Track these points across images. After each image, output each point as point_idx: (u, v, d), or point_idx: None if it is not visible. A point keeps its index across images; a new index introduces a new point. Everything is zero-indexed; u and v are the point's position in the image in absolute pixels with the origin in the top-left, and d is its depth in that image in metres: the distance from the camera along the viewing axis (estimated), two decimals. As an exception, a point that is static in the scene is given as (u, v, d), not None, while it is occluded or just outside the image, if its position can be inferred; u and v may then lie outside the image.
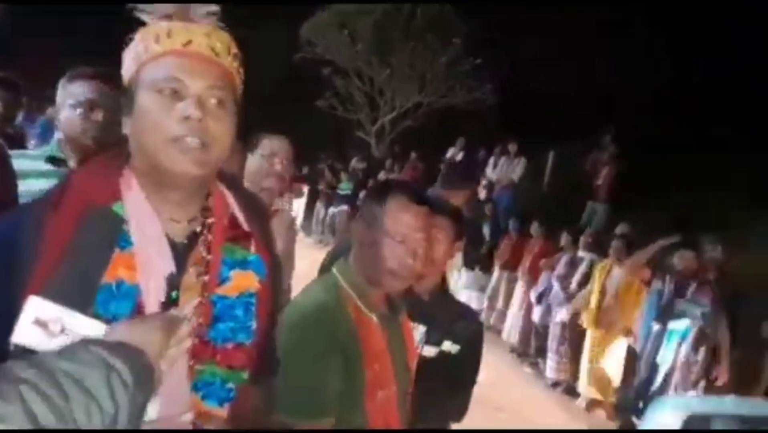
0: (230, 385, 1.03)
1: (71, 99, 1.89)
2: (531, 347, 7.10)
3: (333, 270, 1.53)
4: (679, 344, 4.97)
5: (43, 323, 0.82)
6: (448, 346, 2.02)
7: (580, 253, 6.72)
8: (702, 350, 4.79)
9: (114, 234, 0.95)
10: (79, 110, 1.88)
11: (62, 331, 0.83)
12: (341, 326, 1.40)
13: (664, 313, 5.15)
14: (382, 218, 1.44)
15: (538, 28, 14.33)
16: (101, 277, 0.92)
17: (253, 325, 1.06)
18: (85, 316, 0.86)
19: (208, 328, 1.01)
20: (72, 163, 1.91)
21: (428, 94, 16.22)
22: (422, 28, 15.84)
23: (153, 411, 0.91)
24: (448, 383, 2.00)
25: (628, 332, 5.72)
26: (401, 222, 1.43)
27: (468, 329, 2.11)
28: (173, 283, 0.98)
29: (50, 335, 0.82)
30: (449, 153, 12.44)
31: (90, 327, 0.85)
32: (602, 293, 5.84)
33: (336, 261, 1.57)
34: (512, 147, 11.03)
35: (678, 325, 5.05)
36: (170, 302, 0.98)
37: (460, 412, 2.10)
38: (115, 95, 1.91)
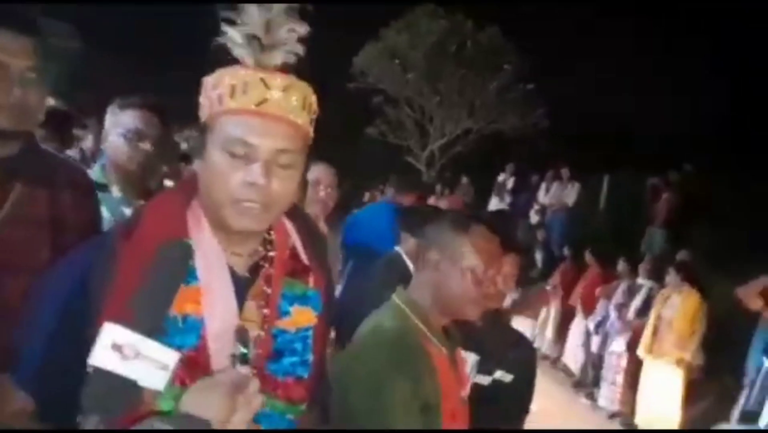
0: (290, 417, 1.05)
1: (120, 127, 1.92)
2: (588, 377, 6.88)
3: (395, 299, 1.50)
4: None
5: (118, 347, 0.87)
6: (501, 375, 1.98)
7: (639, 280, 6.50)
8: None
9: (183, 268, 0.98)
10: (127, 139, 1.91)
11: (136, 356, 0.87)
12: (412, 359, 1.36)
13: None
14: (462, 249, 1.45)
15: (592, 53, 14.15)
16: (170, 308, 0.96)
17: (311, 358, 1.08)
18: (158, 343, 0.90)
19: (267, 360, 1.03)
20: (114, 188, 1.94)
21: (478, 120, 16.20)
22: (472, 56, 15.91)
23: None
24: (501, 412, 1.96)
25: (680, 362, 5.48)
26: (484, 253, 1.45)
27: (522, 358, 2.07)
28: (235, 316, 1.01)
29: (124, 359, 0.87)
30: (500, 178, 12.34)
31: (163, 354, 0.89)
32: (659, 321, 5.64)
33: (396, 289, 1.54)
34: (565, 172, 10.85)
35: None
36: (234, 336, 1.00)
37: None
38: (162, 127, 1.98)
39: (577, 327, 7.46)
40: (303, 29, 1.01)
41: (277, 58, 1.00)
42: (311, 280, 1.11)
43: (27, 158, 1.33)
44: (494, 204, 11.95)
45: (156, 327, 0.93)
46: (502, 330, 2.14)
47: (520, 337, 2.23)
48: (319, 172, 2.45)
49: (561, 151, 12.18)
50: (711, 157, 10.43)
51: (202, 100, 1.01)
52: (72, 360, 0.91)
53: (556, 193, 10.85)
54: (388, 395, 1.31)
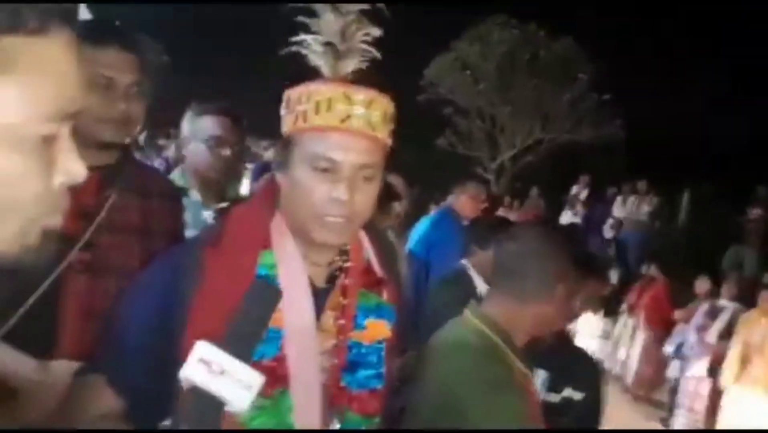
0: (364, 428, 1.06)
1: (201, 133, 1.97)
2: (663, 402, 6.55)
3: (471, 318, 1.41)
4: None
5: (207, 362, 0.92)
6: (570, 393, 1.94)
7: (722, 302, 6.13)
8: None
9: (271, 308, 0.99)
10: (209, 146, 1.96)
11: (222, 373, 0.92)
12: (517, 396, 1.30)
13: None
14: (557, 265, 1.41)
15: (670, 64, 13.58)
16: (266, 325, 0.98)
17: (384, 371, 1.09)
18: (244, 364, 0.94)
19: (342, 372, 1.04)
20: (194, 193, 2.00)
21: (550, 131, 15.85)
22: (545, 66, 15.61)
23: None
24: (572, 430, 1.92)
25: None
26: (571, 265, 1.43)
27: (589, 376, 2.03)
28: (314, 327, 1.03)
29: (212, 374, 0.92)
30: (574, 190, 11.99)
31: (248, 375, 0.94)
32: (747, 347, 5.28)
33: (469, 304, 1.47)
34: (641, 185, 10.42)
35: None
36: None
37: None
38: (240, 132, 2.03)
39: (639, 341, 7.17)
40: (377, 32, 1.03)
41: (353, 64, 1.02)
42: (385, 293, 1.12)
43: (123, 168, 1.42)
44: (567, 217, 11.61)
45: (246, 351, 0.96)
46: (567, 347, 2.10)
47: (586, 355, 2.18)
48: (395, 184, 2.48)
49: (638, 164, 11.72)
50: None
51: (286, 114, 1.04)
52: (161, 363, 0.97)
53: (632, 207, 10.43)
54: (509, 407, 1.27)
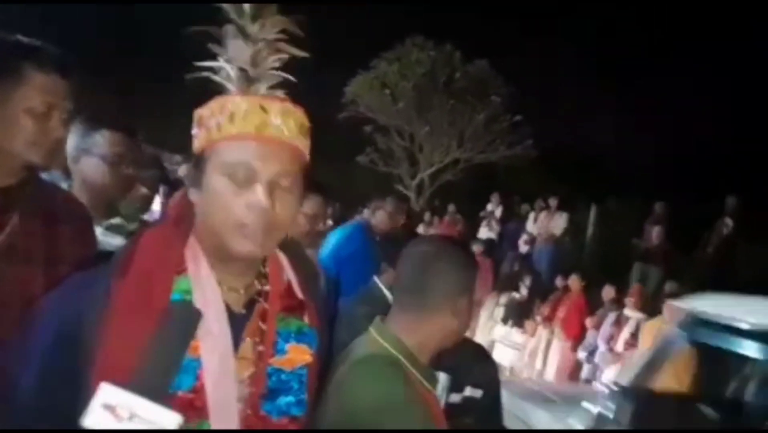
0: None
1: (96, 149, 1.84)
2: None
3: (378, 338, 1.37)
4: None
5: (112, 408, 0.85)
6: (471, 391, 1.99)
7: (627, 311, 6.50)
8: None
9: (189, 324, 0.95)
10: (108, 162, 1.84)
11: (131, 418, 0.86)
12: (419, 414, 1.27)
13: None
14: (460, 279, 1.39)
15: (578, 85, 14.43)
16: (179, 364, 0.93)
17: (306, 398, 1.06)
18: (155, 405, 0.88)
19: (262, 399, 1.00)
20: None
21: (467, 150, 16.38)
22: (461, 87, 16.16)
23: None
24: (476, 428, 1.97)
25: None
26: (475, 277, 1.43)
27: (487, 373, 2.09)
28: (232, 356, 0.99)
29: (119, 420, 0.85)
30: (488, 207, 12.41)
31: (161, 416, 0.88)
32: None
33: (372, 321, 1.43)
34: (552, 202, 10.93)
35: None
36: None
37: None
38: (137, 147, 1.93)
39: (556, 350, 7.47)
40: (288, 56, 1.02)
41: (264, 88, 1.01)
42: (306, 316, 1.09)
43: (26, 189, 1.33)
44: (484, 233, 11.98)
45: (162, 385, 0.91)
46: (465, 345, 2.12)
47: (482, 353, 2.22)
48: (309, 203, 2.43)
49: (549, 181, 12.31)
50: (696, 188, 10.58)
51: (197, 131, 1.01)
52: (65, 394, 0.90)
53: (544, 223, 10.91)
54: (405, 425, 1.23)
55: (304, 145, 1.02)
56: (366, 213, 4.13)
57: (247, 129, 0.96)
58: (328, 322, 1.19)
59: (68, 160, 1.88)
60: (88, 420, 0.84)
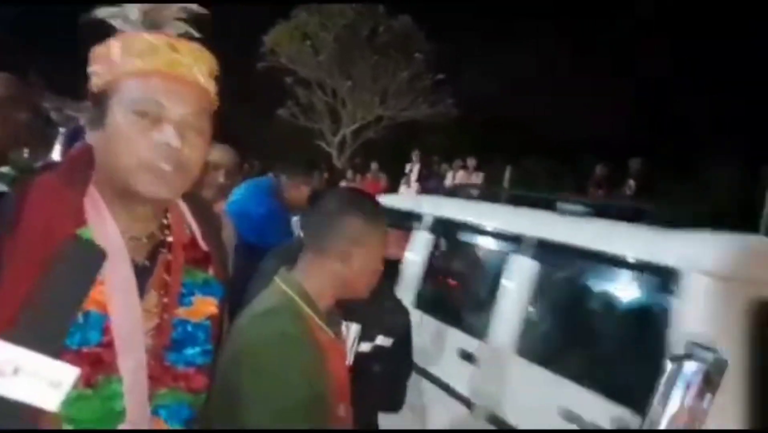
0: (192, 406, 1.01)
1: None
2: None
3: (281, 284, 1.44)
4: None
5: None
6: (382, 340, 2.05)
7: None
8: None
9: (90, 264, 0.90)
10: None
11: (15, 372, 0.79)
12: (307, 353, 1.32)
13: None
14: (375, 239, 1.44)
15: (502, 45, 14.65)
16: (78, 308, 0.88)
17: (211, 348, 1.05)
18: (46, 358, 0.81)
19: (166, 351, 0.98)
20: None
21: (389, 108, 16.36)
22: (385, 42, 16.01)
23: None
24: (387, 376, 2.03)
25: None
26: (375, 233, 1.44)
27: (398, 321, 2.16)
28: (138, 308, 0.95)
29: (1, 376, 0.79)
30: (408, 166, 12.55)
31: (54, 370, 0.81)
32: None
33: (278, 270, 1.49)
34: (471, 161, 11.20)
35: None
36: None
37: (398, 403, 2.14)
38: (30, 92, 1.81)
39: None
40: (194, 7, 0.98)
41: (174, 24, 0.97)
42: (211, 268, 1.07)
43: None
44: (403, 191, 12.14)
45: (58, 331, 0.85)
46: (377, 298, 2.20)
47: (394, 302, 2.28)
48: (220, 155, 2.32)
49: (468, 141, 12.57)
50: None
51: (97, 68, 0.94)
52: None
53: (461, 182, 11.19)
54: (281, 395, 1.27)
55: (213, 89, 0.99)
56: (283, 179, 3.82)
57: (156, 65, 0.92)
58: (233, 274, 1.18)
59: None
60: None
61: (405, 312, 2.34)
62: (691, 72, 12.04)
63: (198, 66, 0.95)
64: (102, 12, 0.95)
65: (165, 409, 0.97)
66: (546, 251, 2.40)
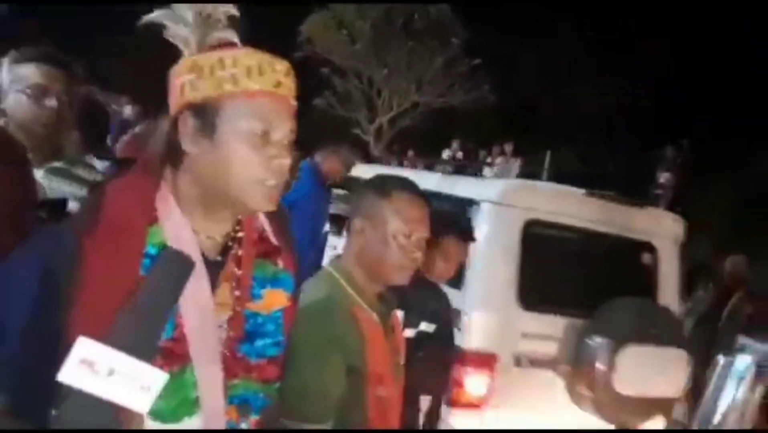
0: (263, 396, 1.05)
1: (21, 83, 1.74)
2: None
3: (328, 267, 1.52)
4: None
5: (90, 363, 0.82)
6: (426, 326, 2.07)
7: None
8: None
9: (182, 272, 0.95)
10: (30, 95, 1.73)
11: (110, 374, 0.83)
12: (343, 327, 1.39)
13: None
14: (385, 213, 1.44)
15: (539, 30, 14.36)
16: (169, 315, 0.93)
17: (283, 339, 1.09)
18: (137, 361, 0.85)
19: (239, 343, 1.02)
20: None
21: (425, 94, 16.23)
22: (420, 29, 15.86)
23: (196, 426, 0.93)
24: (431, 362, 2.05)
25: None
26: (409, 217, 1.45)
27: (440, 307, 2.17)
28: (210, 302, 0.99)
29: (96, 376, 0.82)
30: (445, 153, 12.47)
31: (144, 373, 0.85)
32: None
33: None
34: (508, 147, 11.06)
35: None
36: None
37: (443, 389, 2.16)
38: (68, 80, 1.80)
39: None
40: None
41: (218, 33, 1.00)
42: (281, 261, 1.10)
43: None
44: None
45: (151, 338, 0.90)
46: (419, 282, 2.22)
47: (435, 289, 2.30)
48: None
49: (506, 127, 12.40)
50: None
51: (194, 79, 0.97)
52: (43, 356, 0.87)
53: (499, 169, 11.07)
54: (318, 365, 1.33)
55: (295, 104, 1.06)
56: (317, 157, 4.03)
57: (267, 86, 0.97)
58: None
59: (0, 98, 1.77)
60: (63, 375, 0.82)
61: (446, 299, 2.36)
62: (738, 55, 11.57)
63: (291, 83, 1.02)
64: (157, 15, 0.98)
65: (239, 399, 1.01)
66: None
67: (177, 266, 0.94)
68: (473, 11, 14.82)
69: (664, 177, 9.22)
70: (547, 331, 3.00)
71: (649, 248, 3.51)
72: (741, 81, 11.33)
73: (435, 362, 2.11)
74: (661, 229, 3.56)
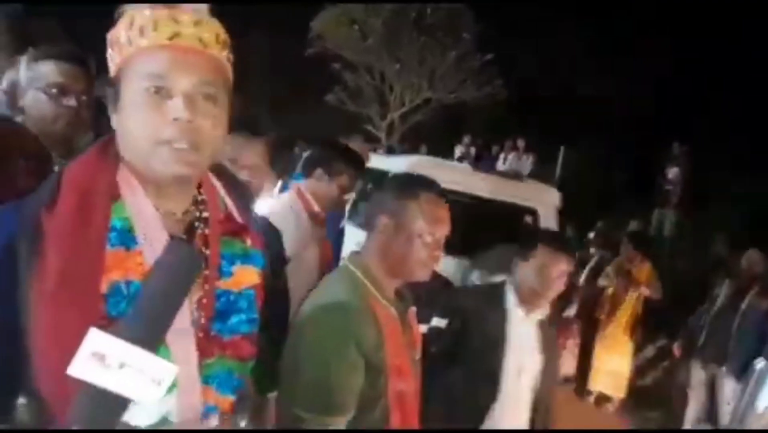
0: (240, 374, 1.04)
1: (40, 81, 1.73)
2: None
3: (347, 263, 1.53)
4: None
5: (101, 356, 0.81)
6: (437, 321, 2.07)
7: (591, 250, 6.68)
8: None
9: (190, 268, 0.93)
10: (49, 94, 1.72)
11: (121, 366, 0.82)
12: (363, 321, 1.40)
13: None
14: (411, 212, 1.47)
15: (551, 26, 14.24)
16: (178, 309, 0.92)
17: (256, 316, 1.07)
18: (149, 354, 0.84)
19: (211, 321, 1.01)
20: None
21: (438, 90, 16.17)
22: (432, 23, 15.78)
23: (170, 408, 0.92)
24: (443, 356, 2.04)
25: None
26: (434, 217, 1.48)
27: (451, 303, 2.18)
28: None
29: (107, 369, 0.81)
30: (458, 149, 12.41)
31: (154, 366, 0.84)
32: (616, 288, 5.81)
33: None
34: (520, 143, 10.99)
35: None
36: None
37: (458, 386, 2.15)
38: (87, 79, 1.79)
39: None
40: None
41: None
42: (248, 239, 1.08)
43: None
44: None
45: (91, 301, 0.87)
46: (430, 281, 2.22)
47: (446, 284, 2.32)
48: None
49: (518, 122, 12.32)
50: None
51: (111, 53, 0.96)
52: (2, 339, 0.86)
53: (512, 164, 11.00)
54: (338, 359, 1.34)
55: (223, 56, 0.99)
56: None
57: (159, 40, 0.92)
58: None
59: (18, 95, 1.77)
60: (75, 369, 0.80)
61: (457, 294, 2.36)
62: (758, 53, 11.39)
63: (201, 34, 0.94)
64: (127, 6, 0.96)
65: (214, 378, 1.00)
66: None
67: (183, 257, 0.92)
68: (486, 6, 14.71)
69: (672, 173, 9.16)
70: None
71: (532, 211, 5.12)
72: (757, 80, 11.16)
73: (447, 361, 2.09)
74: (541, 198, 5.19)
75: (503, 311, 2.18)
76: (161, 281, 0.89)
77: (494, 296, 2.22)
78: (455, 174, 4.98)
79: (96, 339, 0.81)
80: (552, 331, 2.32)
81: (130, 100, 0.92)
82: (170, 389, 0.91)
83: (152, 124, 0.91)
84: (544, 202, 5.27)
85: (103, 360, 0.81)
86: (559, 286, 2.15)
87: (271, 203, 2.52)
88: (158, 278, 0.89)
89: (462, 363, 2.10)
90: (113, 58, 0.96)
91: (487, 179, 5.12)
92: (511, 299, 2.20)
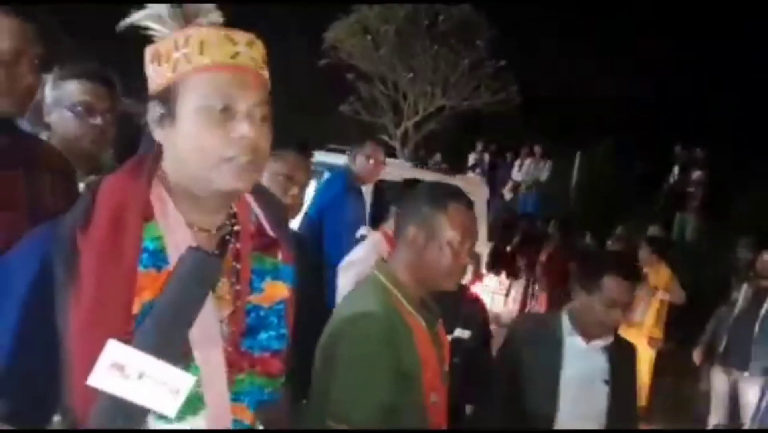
0: (270, 390, 1.04)
1: (66, 100, 1.78)
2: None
3: (376, 273, 1.54)
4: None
5: (120, 366, 0.82)
6: (460, 332, 2.07)
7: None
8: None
9: (207, 277, 0.93)
10: (75, 113, 1.77)
11: (140, 377, 0.83)
12: (396, 332, 1.42)
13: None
14: (440, 223, 1.50)
15: (564, 29, 14.19)
16: (196, 310, 0.91)
17: (286, 332, 1.08)
18: (167, 364, 0.85)
19: (242, 337, 1.02)
20: None
21: (451, 98, 16.16)
22: (444, 31, 15.81)
23: (200, 424, 0.92)
24: (466, 368, 2.03)
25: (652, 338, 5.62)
26: (462, 227, 1.51)
27: (474, 313, 2.17)
28: (209, 297, 0.97)
29: (126, 380, 0.82)
30: (472, 157, 12.39)
31: (172, 377, 0.85)
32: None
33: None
34: (537, 149, 10.93)
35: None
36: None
37: (477, 394, 2.15)
38: (112, 97, 1.84)
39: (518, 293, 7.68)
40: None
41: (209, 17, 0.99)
42: (280, 253, 1.09)
43: (4, 141, 1.29)
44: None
45: (178, 342, 0.89)
46: (454, 291, 2.19)
47: (470, 295, 2.32)
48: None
49: (534, 129, 12.26)
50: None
51: (157, 67, 0.98)
52: (39, 357, 0.88)
53: (529, 171, 10.95)
54: (372, 370, 1.35)
55: (267, 74, 1.02)
56: (347, 159, 4.11)
57: (221, 58, 0.94)
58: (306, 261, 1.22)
59: (44, 112, 1.82)
60: (93, 379, 0.81)
61: (482, 305, 2.35)
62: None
63: (254, 54, 0.97)
64: (135, 16, 0.97)
65: (244, 394, 1.00)
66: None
67: (197, 263, 0.91)
68: (497, 10, 14.71)
69: (695, 175, 9.09)
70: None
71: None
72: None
73: (470, 373, 2.07)
74: (474, 189, 5.51)
75: (557, 340, 2.07)
76: (175, 289, 0.89)
77: (549, 324, 2.11)
78: (393, 168, 5.64)
79: (115, 350, 0.82)
80: (625, 349, 2.16)
81: (191, 118, 0.94)
82: (200, 406, 0.92)
83: (219, 141, 0.94)
84: (476, 194, 5.72)
85: (122, 370, 0.82)
86: (627, 312, 2.02)
87: (357, 249, 2.56)
88: (173, 285, 0.89)
89: (514, 389, 2.03)
90: (161, 74, 0.96)
91: (423, 173, 5.85)
92: (567, 326, 2.08)
